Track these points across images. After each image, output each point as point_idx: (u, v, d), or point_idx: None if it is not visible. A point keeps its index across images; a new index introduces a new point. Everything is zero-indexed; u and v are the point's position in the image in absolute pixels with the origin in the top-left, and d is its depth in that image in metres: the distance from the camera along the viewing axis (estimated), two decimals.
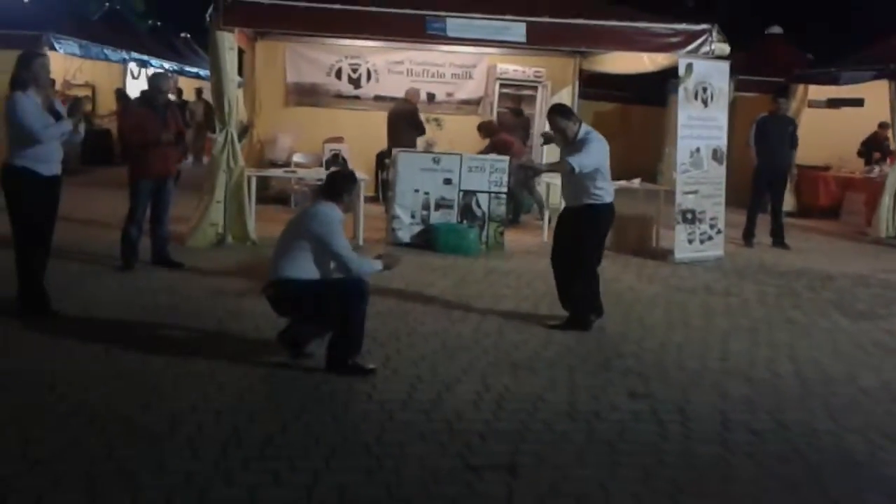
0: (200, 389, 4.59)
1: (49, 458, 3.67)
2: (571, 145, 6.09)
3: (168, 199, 7.68)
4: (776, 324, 6.71)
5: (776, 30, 17.65)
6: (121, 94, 17.16)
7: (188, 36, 25.46)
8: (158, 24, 24.79)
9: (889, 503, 3.69)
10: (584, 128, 6.15)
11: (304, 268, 4.97)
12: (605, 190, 6.13)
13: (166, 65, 20.13)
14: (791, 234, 11.06)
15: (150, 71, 19.66)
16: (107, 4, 22.42)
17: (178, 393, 4.54)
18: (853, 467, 4.02)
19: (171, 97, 12.69)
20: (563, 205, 6.50)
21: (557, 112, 6.21)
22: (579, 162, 5.92)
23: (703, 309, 7.11)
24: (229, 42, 8.73)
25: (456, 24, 9.00)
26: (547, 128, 6.74)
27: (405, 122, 11.36)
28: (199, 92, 20.00)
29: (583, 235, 6.23)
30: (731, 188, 13.28)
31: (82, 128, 5.96)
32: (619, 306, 7.01)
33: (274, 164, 11.86)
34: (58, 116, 5.74)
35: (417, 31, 9.09)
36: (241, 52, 10.15)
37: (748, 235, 10.69)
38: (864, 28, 18.54)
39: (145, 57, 18.86)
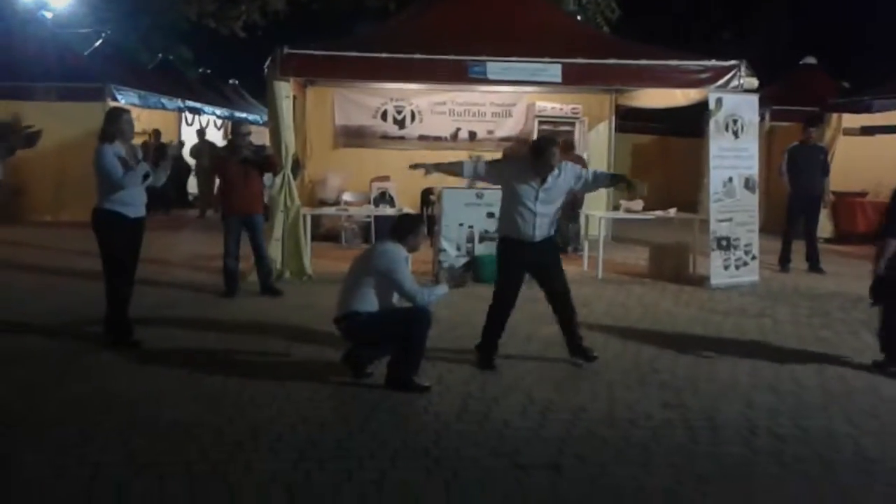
0: (276, 405, 5.14)
1: (152, 462, 4.23)
2: (556, 176, 6.04)
3: (258, 235, 8.51)
4: (806, 342, 7.10)
5: (810, 60, 18.04)
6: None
7: (236, 82, 26.48)
8: (208, 71, 25.77)
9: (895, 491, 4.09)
10: None
11: (371, 301, 5.54)
12: None
13: (217, 111, 21.09)
14: (828, 259, 11.36)
15: (204, 118, 20.75)
16: (159, 55, 23.48)
17: (256, 409, 5.09)
18: (866, 463, 4.42)
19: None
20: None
21: (557, 145, 6.13)
22: None
23: (736, 329, 7.51)
24: (285, 91, 9.43)
25: (496, 67, 9.61)
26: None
27: None
28: (200, 134, 18.80)
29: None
30: (769, 215, 13.70)
31: (164, 174, 6.64)
32: (656, 328, 7.45)
33: (324, 203, 12.51)
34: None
35: (460, 76, 9.71)
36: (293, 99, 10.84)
37: (784, 261, 11.03)
38: None
39: (198, 104, 19.75)
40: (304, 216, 9.82)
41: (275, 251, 9.46)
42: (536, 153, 6.01)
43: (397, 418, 4.99)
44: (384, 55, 9.44)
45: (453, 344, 6.68)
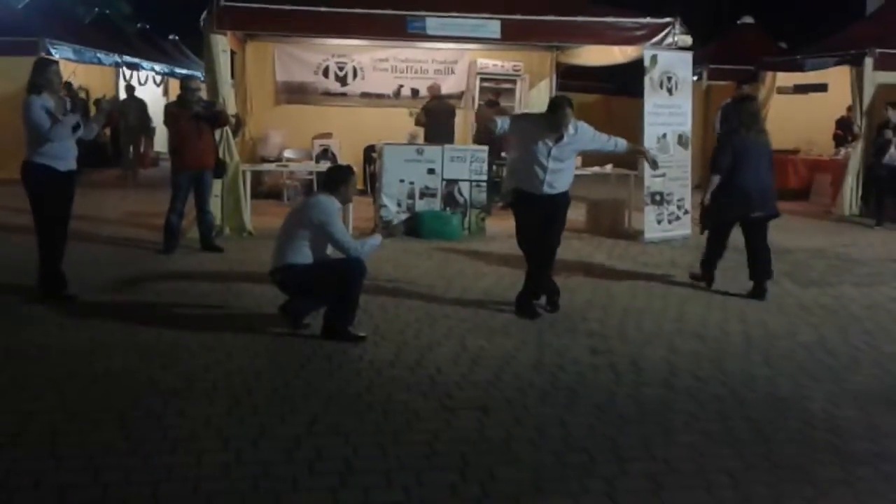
0: (211, 355, 5.19)
1: (86, 409, 4.28)
2: (572, 134, 6.18)
3: (206, 190, 8.52)
4: (732, 292, 7.34)
5: (748, 20, 18.29)
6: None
7: (177, 38, 25.92)
8: (147, 27, 25.17)
9: (804, 426, 4.30)
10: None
11: (305, 253, 5.60)
12: None
13: (156, 66, 20.66)
14: None
15: (143, 73, 20.30)
16: (96, 9, 22.85)
17: (191, 358, 5.14)
18: (779, 401, 4.66)
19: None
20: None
21: (571, 105, 6.17)
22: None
23: (667, 281, 7.74)
24: (222, 44, 9.32)
25: (435, 22, 9.62)
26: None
27: (449, 118, 12.00)
28: (130, 90, 17.41)
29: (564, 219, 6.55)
30: (705, 172, 13.96)
31: (97, 126, 6.58)
32: (589, 280, 7.64)
33: (266, 161, 12.43)
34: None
35: (399, 30, 9.71)
36: (232, 54, 10.70)
37: None
38: (835, 16, 19.22)
39: (136, 60, 19.31)
40: (244, 172, 9.78)
41: (214, 208, 9.41)
42: (551, 110, 6.20)
43: (332, 366, 5.09)
44: (323, 9, 9.38)
45: (391, 295, 6.79)
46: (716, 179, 7.04)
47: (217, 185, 9.34)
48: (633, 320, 6.30)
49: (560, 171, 6.26)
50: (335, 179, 5.74)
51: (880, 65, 12.22)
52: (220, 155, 9.27)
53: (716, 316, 6.53)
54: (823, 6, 22.48)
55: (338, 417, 4.26)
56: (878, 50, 12.19)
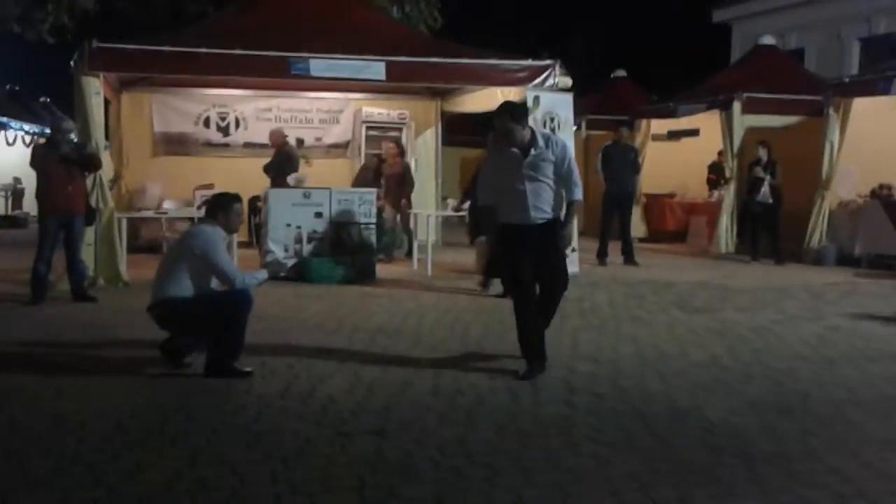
0: (81, 397, 4.78)
1: None
2: (542, 148, 5.43)
3: (76, 237, 8.02)
4: (622, 320, 7.40)
5: (620, 72, 19.06)
6: None
7: (48, 99, 25.05)
8: (16, 88, 24.20)
9: (704, 433, 4.27)
10: (541, 130, 5.64)
11: (186, 286, 5.27)
12: None
13: (26, 127, 19.87)
14: (641, 255, 11.97)
15: (11, 133, 19.46)
16: None
17: (59, 400, 4.72)
18: (678, 412, 4.63)
19: None
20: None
21: (508, 113, 5.40)
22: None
23: (559, 313, 7.63)
24: (95, 87, 8.89)
25: (319, 64, 9.46)
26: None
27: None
28: None
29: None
30: (588, 218, 14.30)
31: None
32: (483, 315, 7.54)
33: None
34: None
35: (282, 72, 9.46)
36: (106, 104, 10.25)
37: (601, 255, 11.51)
38: (700, 68, 20.23)
39: (4, 119, 18.57)
40: (120, 220, 9.31)
41: (87, 257, 8.88)
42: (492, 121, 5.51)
43: (217, 400, 4.77)
44: (202, 50, 9.08)
45: (280, 334, 6.51)
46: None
47: (90, 233, 8.85)
48: None
49: (541, 190, 5.44)
50: (216, 205, 5.45)
51: (748, 108, 12.86)
52: (94, 202, 8.81)
53: (608, 341, 6.53)
54: (692, 59, 23.65)
55: (223, 448, 3.95)
56: (745, 94, 12.83)
